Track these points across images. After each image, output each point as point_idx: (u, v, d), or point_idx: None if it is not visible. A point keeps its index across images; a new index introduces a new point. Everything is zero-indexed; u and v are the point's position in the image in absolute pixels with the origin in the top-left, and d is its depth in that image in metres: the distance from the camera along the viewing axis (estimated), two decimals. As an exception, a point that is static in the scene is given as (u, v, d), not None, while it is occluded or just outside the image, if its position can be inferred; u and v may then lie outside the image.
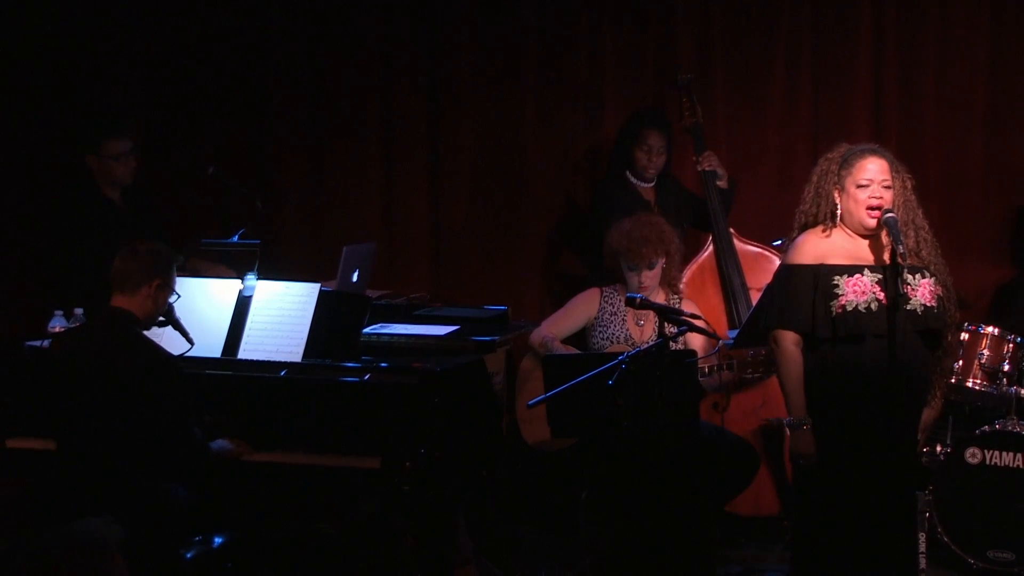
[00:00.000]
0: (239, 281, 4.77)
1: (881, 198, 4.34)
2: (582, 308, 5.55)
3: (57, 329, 4.68)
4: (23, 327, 5.00)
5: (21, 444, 4.53)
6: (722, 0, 6.36)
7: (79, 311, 4.76)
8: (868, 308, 4.30)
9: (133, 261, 4.28)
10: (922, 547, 4.74)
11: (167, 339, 4.48)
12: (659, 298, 5.39)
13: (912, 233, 4.35)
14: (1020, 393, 5.54)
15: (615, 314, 5.48)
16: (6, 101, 6.31)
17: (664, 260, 5.40)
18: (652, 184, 5.95)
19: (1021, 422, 5.49)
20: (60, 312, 4.77)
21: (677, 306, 5.30)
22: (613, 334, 5.44)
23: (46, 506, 4.19)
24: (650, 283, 5.37)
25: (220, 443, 4.37)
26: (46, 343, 4.54)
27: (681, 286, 5.57)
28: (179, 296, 4.43)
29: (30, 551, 2.89)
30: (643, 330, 5.43)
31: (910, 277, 4.32)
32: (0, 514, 5.12)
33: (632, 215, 5.49)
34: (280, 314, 4.69)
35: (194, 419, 4.28)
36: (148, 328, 4.34)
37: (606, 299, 5.53)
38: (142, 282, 4.26)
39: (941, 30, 6.27)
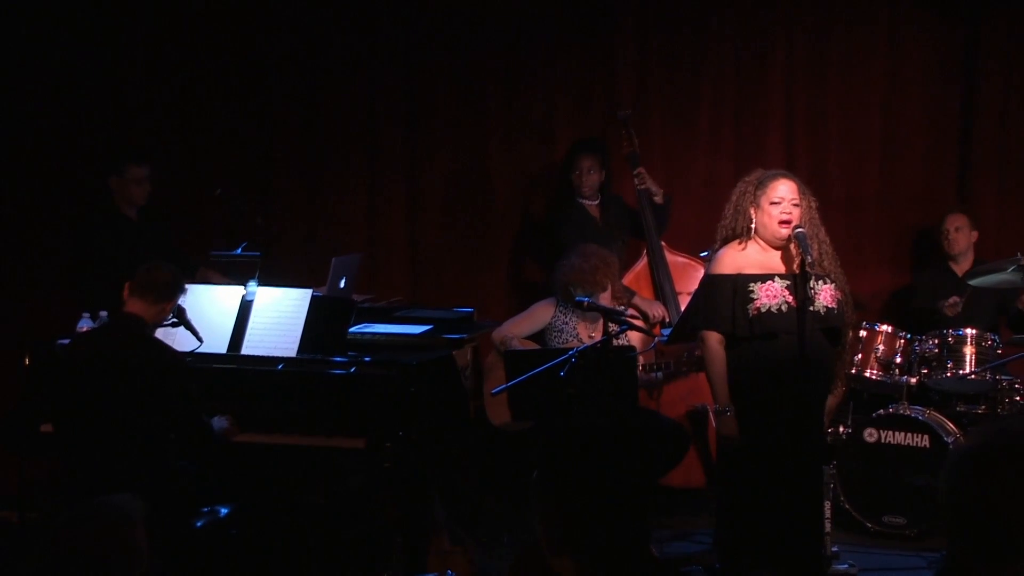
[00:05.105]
0: (242, 287, 4.79)
1: (791, 214, 4.38)
2: (539, 313, 5.51)
3: (84, 329, 4.64)
4: (56, 327, 4.98)
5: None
6: (657, 45, 6.39)
7: (103, 314, 4.75)
8: (779, 310, 4.35)
9: (163, 277, 4.21)
10: (827, 513, 4.76)
11: (180, 337, 4.48)
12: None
13: (816, 246, 4.39)
14: (910, 382, 5.60)
15: (567, 322, 5.46)
16: (41, 136, 6.32)
17: (611, 280, 5.40)
18: (597, 202, 6.00)
19: (911, 406, 5.54)
20: (87, 314, 4.74)
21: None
22: (566, 340, 5.40)
23: (74, 483, 4.20)
24: (605, 303, 5.30)
25: (218, 422, 4.36)
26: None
27: (631, 299, 5.61)
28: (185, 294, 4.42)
29: (62, 521, 2.89)
30: (594, 340, 5.41)
31: (814, 283, 4.36)
32: (35, 489, 5.11)
33: (576, 250, 5.41)
34: (278, 316, 4.69)
35: (200, 407, 4.28)
36: (155, 328, 4.31)
37: (561, 308, 5.49)
38: (163, 299, 4.21)
39: (842, 73, 6.33)
